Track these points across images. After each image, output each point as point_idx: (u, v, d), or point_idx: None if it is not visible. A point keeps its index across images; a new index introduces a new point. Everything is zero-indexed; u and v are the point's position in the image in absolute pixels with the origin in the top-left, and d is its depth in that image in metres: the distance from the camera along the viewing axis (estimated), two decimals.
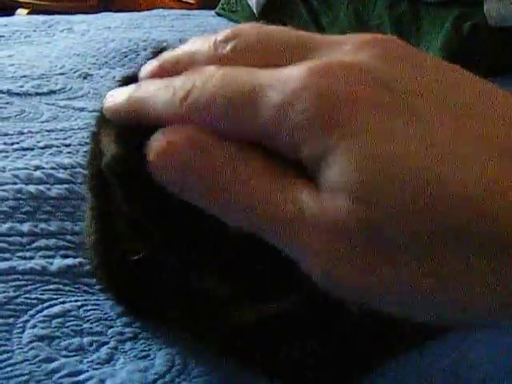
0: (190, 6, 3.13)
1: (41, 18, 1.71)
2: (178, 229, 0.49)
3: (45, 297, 0.64)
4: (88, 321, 0.62)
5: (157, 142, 0.39)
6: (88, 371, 0.56)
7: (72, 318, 0.62)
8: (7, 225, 0.72)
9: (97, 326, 0.61)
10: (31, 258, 0.69)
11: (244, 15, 1.76)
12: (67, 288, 0.66)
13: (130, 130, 0.48)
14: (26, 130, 0.95)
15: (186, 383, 0.56)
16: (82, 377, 0.55)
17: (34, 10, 3.35)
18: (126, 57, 1.36)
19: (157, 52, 0.58)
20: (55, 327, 0.60)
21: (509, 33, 1.41)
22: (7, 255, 0.68)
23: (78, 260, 0.68)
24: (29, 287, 0.65)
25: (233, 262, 0.49)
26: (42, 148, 0.89)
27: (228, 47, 0.42)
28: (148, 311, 0.61)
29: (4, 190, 0.77)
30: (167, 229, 0.50)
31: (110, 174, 0.50)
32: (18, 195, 0.76)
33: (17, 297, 0.63)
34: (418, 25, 1.45)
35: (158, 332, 0.61)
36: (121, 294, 0.63)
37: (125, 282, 0.61)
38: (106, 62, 1.28)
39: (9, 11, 3.30)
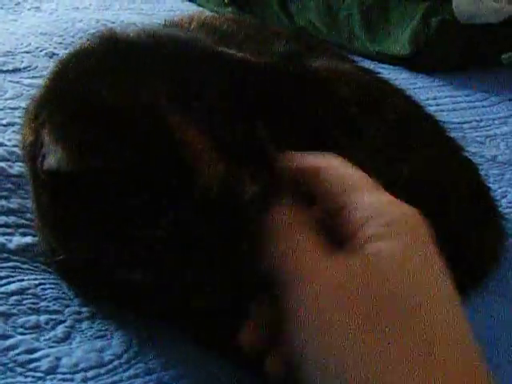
0: None
1: None
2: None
3: (2, 274, 0.63)
4: (45, 299, 0.61)
5: None
6: (44, 349, 0.56)
7: (29, 296, 0.61)
8: None
9: (54, 304, 0.61)
10: None
11: (214, 1, 1.75)
12: (25, 266, 0.65)
13: (75, 129, 0.49)
14: None
15: (142, 364, 0.56)
16: (37, 354, 0.55)
17: None
18: None
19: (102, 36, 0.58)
20: (12, 304, 0.60)
21: (476, 29, 1.43)
22: None
23: (37, 238, 0.67)
24: None
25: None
26: (4, 125, 0.87)
27: None
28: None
29: None
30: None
31: (49, 178, 0.50)
32: None
33: None
34: (387, 17, 1.45)
35: (115, 312, 0.60)
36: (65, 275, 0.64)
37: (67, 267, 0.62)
38: (73, 42, 1.26)
39: None
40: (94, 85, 0.52)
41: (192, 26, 0.79)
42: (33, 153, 0.56)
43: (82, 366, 0.55)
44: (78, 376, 0.54)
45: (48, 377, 0.53)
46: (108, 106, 0.51)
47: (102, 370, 0.55)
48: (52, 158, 0.49)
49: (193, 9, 1.72)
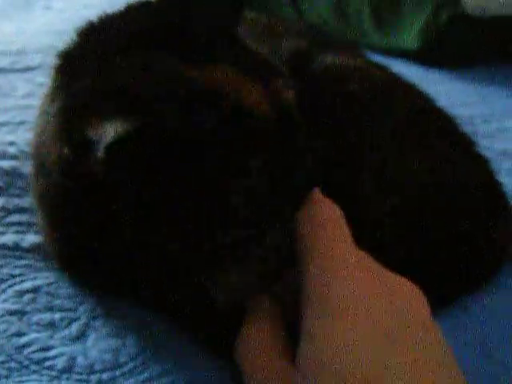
0: None
1: None
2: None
3: (16, 272, 0.64)
4: (59, 297, 0.62)
5: None
6: (59, 347, 0.56)
7: (43, 294, 0.62)
8: None
9: (68, 302, 0.61)
10: (3, 233, 0.69)
11: None
12: (39, 264, 0.65)
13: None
14: (1, 106, 0.94)
15: (157, 367, 0.56)
16: (52, 352, 0.56)
17: None
18: None
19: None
20: (26, 302, 0.61)
21: (486, 23, 1.42)
22: None
23: None
24: (0, 262, 0.65)
25: None
26: (16, 124, 0.88)
27: None
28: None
29: None
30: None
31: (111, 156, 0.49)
32: None
33: None
34: (397, 12, 1.45)
35: (130, 310, 0.61)
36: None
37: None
38: None
39: None
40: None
41: None
42: (70, 164, 0.54)
43: (97, 367, 0.55)
44: (94, 377, 0.54)
45: (63, 376, 0.54)
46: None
47: (117, 372, 0.55)
48: (109, 132, 0.48)
49: None
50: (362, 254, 0.52)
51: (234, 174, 0.51)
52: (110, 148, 0.47)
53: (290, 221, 0.54)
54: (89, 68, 0.54)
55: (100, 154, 0.48)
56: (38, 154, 0.62)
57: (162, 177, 0.50)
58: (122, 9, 0.62)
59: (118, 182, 0.51)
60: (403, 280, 0.51)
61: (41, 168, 0.61)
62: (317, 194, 0.55)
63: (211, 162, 0.50)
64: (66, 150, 0.54)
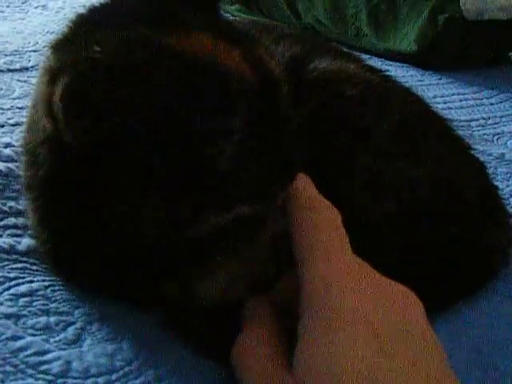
0: None
1: None
2: None
3: (12, 275, 0.63)
4: (55, 301, 0.61)
5: None
6: (55, 351, 0.56)
7: (39, 298, 0.61)
8: None
9: (64, 306, 0.61)
10: None
11: None
12: (35, 267, 0.65)
13: None
14: None
15: (151, 371, 0.56)
16: (48, 356, 0.55)
17: None
18: None
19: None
20: (22, 306, 0.60)
21: (483, 27, 1.42)
22: None
23: None
24: None
25: None
26: (12, 125, 0.88)
27: None
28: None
29: None
30: None
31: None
32: None
33: None
34: (394, 15, 1.45)
35: (125, 314, 0.61)
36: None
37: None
38: None
39: None
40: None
41: None
42: (51, 136, 0.54)
43: (93, 371, 0.55)
44: (89, 382, 0.54)
45: (59, 380, 0.54)
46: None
47: (113, 377, 0.55)
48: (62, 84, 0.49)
49: None
50: (358, 260, 0.52)
51: (215, 133, 0.50)
52: (61, 97, 0.48)
53: (278, 197, 0.54)
54: (70, 49, 0.54)
55: (56, 107, 0.49)
56: (27, 143, 0.62)
57: (130, 132, 0.50)
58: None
59: (85, 142, 0.51)
60: (399, 286, 0.51)
61: (29, 157, 0.60)
62: (314, 195, 0.55)
63: (187, 120, 0.50)
64: (46, 123, 0.54)
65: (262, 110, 0.52)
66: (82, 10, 0.60)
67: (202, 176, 0.51)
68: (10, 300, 0.60)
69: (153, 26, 0.52)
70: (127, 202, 0.53)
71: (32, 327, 0.58)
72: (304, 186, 0.55)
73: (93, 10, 0.60)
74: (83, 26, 0.57)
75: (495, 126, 1.16)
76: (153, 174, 0.51)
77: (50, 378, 0.54)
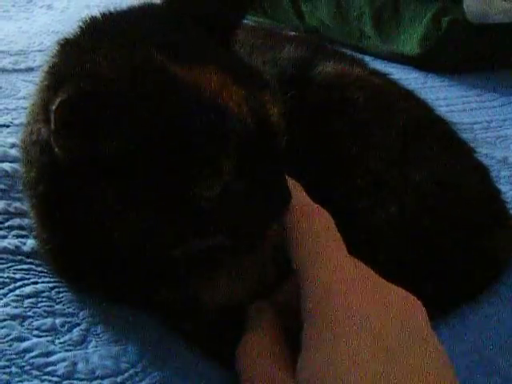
0: None
1: None
2: None
3: (17, 276, 0.64)
4: (60, 302, 0.62)
5: None
6: (60, 352, 0.56)
7: (44, 299, 0.62)
8: None
9: (69, 307, 0.61)
10: (4, 237, 0.69)
11: None
12: (39, 269, 0.66)
13: None
14: (2, 107, 0.94)
15: (156, 373, 0.56)
16: (53, 358, 0.56)
17: None
18: None
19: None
20: (27, 307, 0.60)
21: (486, 30, 1.42)
22: None
23: None
24: (1, 266, 0.65)
25: None
26: (17, 125, 0.88)
27: None
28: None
29: None
30: None
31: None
32: None
33: None
34: (398, 17, 1.45)
35: (130, 316, 0.61)
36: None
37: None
38: None
39: None
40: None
41: None
42: (46, 141, 0.54)
43: (98, 373, 0.55)
44: (95, 383, 0.54)
45: (64, 382, 0.54)
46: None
47: (118, 379, 0.55)
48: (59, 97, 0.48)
49: None
50: (357, 263, 0.52)
51: (204, 171, 0.50)
52: (57, 109, 0.48)
53: (269, 229, 0.55)
54: (77, 55, 0.55)
55: (51, 116, 0.48)
56: (23, 141, 0.62)
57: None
58: (126, 8, 0.62)
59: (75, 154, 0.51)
60: (400, 290, 0.52)
61: (27, 156, 0.61)
62: (306, 202, 0.55)
63: (180, 154, 0.50)
64: (42, 127, 0.54)
65: (255, 155, 0.52)
66: (96, 13, 0.60)
67: (187, 211, 0.51)
68: (16, 301, 0.61)
69: (164, 52, 0.52)
70: (113, 215, 0.53)
71: (37, 328, 0.58)
72: (295, 193, 0.55)
73: (108, 18, 0.60)
74: (95, 33, 0.57)
75: (498, 129, 1.16)
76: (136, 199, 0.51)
77: (55, 379, 0.54)
